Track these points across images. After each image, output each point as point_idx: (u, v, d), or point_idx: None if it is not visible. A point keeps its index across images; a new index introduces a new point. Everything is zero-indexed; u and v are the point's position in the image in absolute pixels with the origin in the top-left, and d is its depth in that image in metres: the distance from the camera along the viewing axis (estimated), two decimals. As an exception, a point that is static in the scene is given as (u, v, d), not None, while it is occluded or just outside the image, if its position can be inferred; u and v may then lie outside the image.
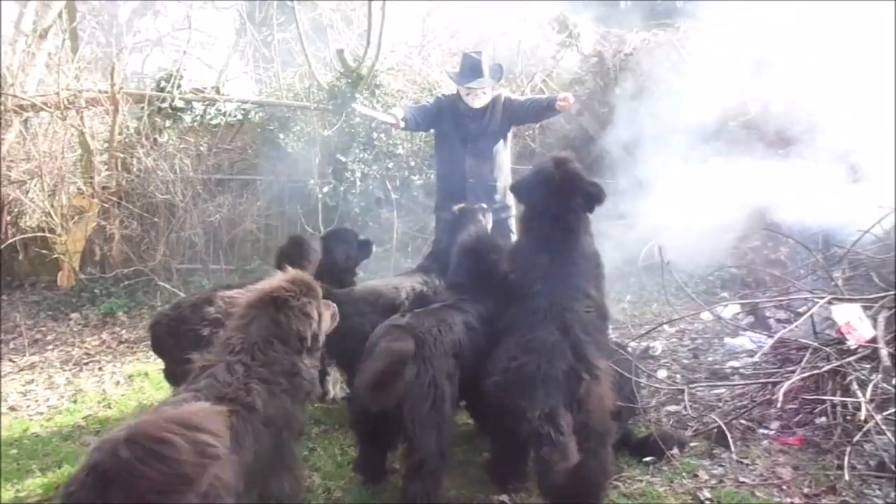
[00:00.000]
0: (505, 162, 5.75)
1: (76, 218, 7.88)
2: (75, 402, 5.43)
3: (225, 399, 2.69)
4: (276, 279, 3.21)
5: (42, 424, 4.98)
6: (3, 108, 8.01)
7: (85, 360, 6.45)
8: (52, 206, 7.69)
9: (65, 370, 6.22)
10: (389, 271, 7.58)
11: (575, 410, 3.25)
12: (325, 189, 7.84)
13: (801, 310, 5.00)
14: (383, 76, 8.51)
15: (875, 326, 4.03)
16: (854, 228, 5.82)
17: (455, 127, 5.58)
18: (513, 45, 8.70)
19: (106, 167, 7.96)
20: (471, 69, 5.47)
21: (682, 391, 4.22)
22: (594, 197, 3.87)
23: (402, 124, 5.56)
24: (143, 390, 5.54)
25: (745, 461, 3.80)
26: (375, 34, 7.98)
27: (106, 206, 7.90)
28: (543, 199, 3.87)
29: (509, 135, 5.77)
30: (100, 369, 6.20)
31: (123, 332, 7.18)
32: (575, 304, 3.57)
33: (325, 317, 3.22)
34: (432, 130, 5.99)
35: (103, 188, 7.90)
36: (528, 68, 8.74)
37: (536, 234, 3.88)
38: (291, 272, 3.28)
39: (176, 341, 4.43)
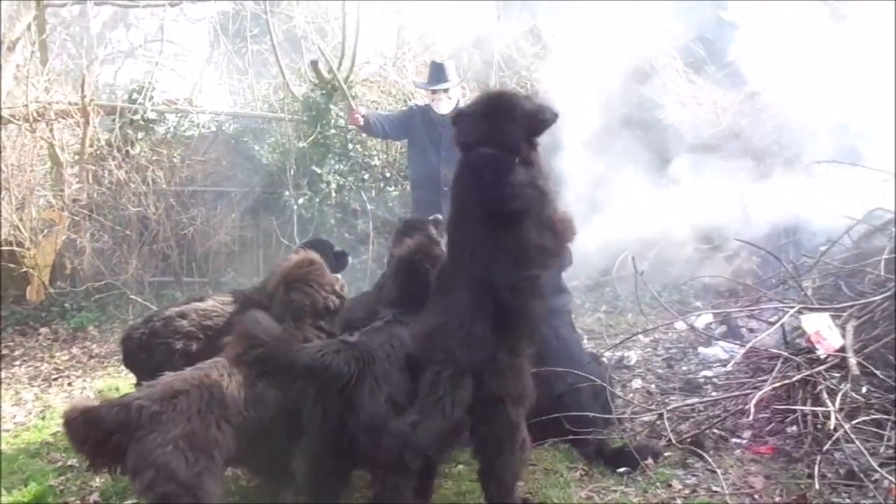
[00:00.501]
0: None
1: (46, 231, 7.75)
2: (43, 418, 5.32)
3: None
4: (287, 262, 3.82)
5: (8, 441, 4.87)
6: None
7: (54, 376, 6.34)
8: (20, 219, 7.55)
9: (33, 386, 6.11)
10: (366, 282, 7.57)
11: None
12: (301, 200, 7.81)
13: (772, 319, 5.07)
14: (358, 87, 8.51)
15: (844, 336, 4.09)
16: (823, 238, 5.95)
17: (428, 136, 5.65)
18: (487, 56, 8.75)
19: (77, 180, 7.85)
20: (435, 74, 5.55)
21: (661, 413, 4.22)
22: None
23: (359, 121, 5.70)
24: (113, 406, 5.44)
25: (718, 471, 3.83)
26: (350, 46, 8.00)
27: (77, 218, 7.78)
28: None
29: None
30: (69, 384, 6.10)
31: (94, 346, 7.07)
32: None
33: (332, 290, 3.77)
34: (405, 140, 6.02)
35: (74, 201, 7.79)
36: (503, 80, 8.78)
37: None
38: (299, 254, 3.88)
39: (148, 355, 4.36)
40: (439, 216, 5.17)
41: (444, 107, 5.53)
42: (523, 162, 3.23)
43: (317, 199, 7.82)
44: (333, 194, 7.85)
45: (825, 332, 4.05)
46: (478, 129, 3.26)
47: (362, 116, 5.63)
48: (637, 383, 5.16)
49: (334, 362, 3.14)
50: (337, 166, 7.92)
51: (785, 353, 4.28)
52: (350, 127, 7.98)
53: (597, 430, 4.13)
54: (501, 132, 3.22)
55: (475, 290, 3.16)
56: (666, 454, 4.03)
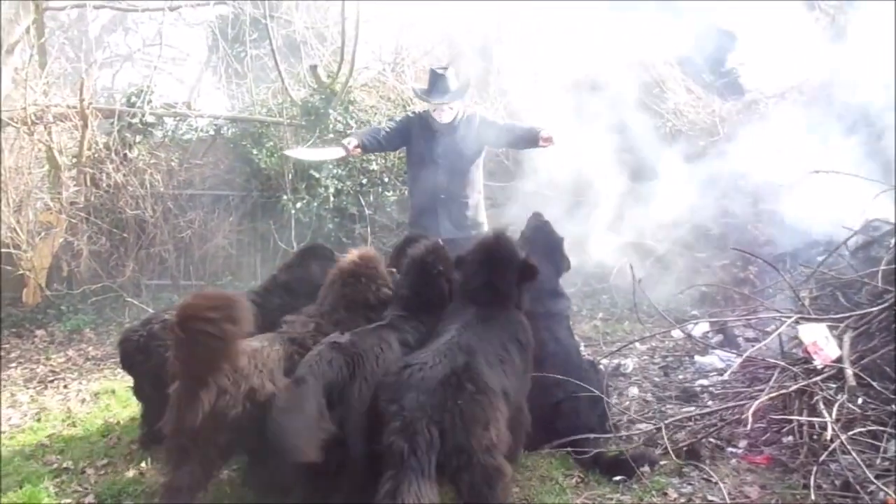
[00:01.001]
0: (477, 179, 5.78)
1: (43, 234, 7.74)
2: (39, 420, 5.31)
3: (294, 341, 3.71)
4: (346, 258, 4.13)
5: (4, 444, 4.85)
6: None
7: (50, 378, 6.31)
8: (17, 221, 7.54)
9: (28, 388, 6.08)
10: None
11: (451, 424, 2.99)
12: (299, 205, 7.81)
13: (769, 329, 5.08)
14: (357, 92, 8.53)
15: (841, 346, 4.10)
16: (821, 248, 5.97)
17: (426, 143, 5.59)
18: (487, 62, 8.77)
19: (74, 183, 7.84)
20: (436, 85, 5.50)
21: (659, 427, 4.21)
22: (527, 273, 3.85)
23: (357, 151, 5.56)
24: (109, 408, 5.43)
25: (714, 480, 3.83)
26: (349, 51, 8.01)
27: (74, 221, 7.78)
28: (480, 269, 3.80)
29: (482, 153, 5.80)
30: (65, 387, 6.07)
31: (90, 348, 7.05)
32: (486, 354, 3.38)
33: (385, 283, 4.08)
34: (404, 148, 5.98)
35: (71, 204, 7.78)
36: (503, 86, 8.81)
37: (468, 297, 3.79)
38: (359, 250, 4.19)
39: (145, 357, 4.37)
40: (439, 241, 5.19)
41: (445, 117, 5.50)
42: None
43: (315, 204, 7.83)
44: (331, 199, 7.86)
45: (822, 343, 4.05)
46: (478, 278, 3.76)
47: (358, 145, 5.51)
48: (633, 391, 5.16)
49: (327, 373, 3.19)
50: (335, 171, 7.92)
51: (782, 363, 4.28)
52: (349, 133, 7.99)
53: (594, 438, 4.13)
54: (499, 281, 3.74)
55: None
56: (662, 462, 4.03)
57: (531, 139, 5.49)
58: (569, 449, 4.12)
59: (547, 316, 4.40)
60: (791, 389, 3.99)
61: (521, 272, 3.81)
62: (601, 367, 5.14)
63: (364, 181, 8.16)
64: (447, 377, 3.09)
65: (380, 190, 8.18)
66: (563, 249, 4.73)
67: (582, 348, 6.02)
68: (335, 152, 5.71)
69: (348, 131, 7.96)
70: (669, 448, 3.94)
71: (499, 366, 3.37)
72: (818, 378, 3.98)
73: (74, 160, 7.94)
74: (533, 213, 4.95)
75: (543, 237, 4.70)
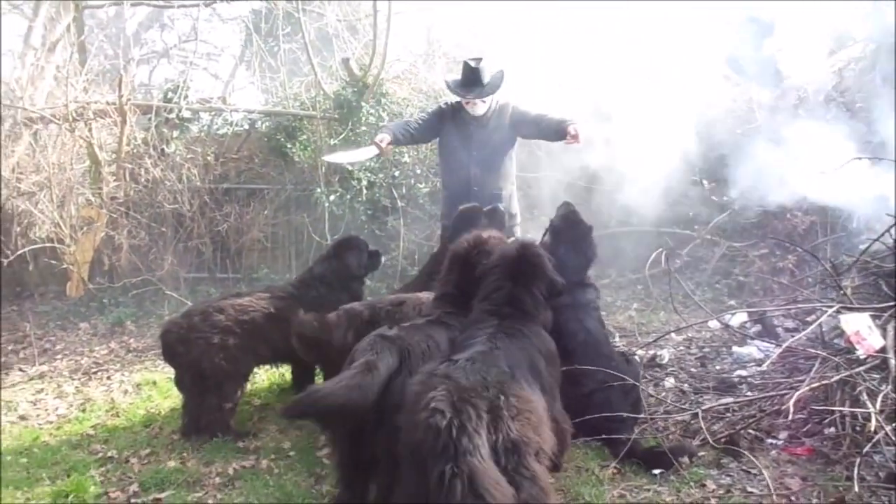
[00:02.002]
0: (510, 170, 5.75)
1: (85, 228, 7.93)
2: (84, 410, 5.45)
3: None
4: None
5: (51, 433, 5.00)
6: (14, 120, 8.10)
7: (94, 369, 6.47)
8: (61, 216, 7.73)
9: (74, 379, 6.25)
10: (395, 280, 7.61)
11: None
12: (332, 197, 7.87)
13: (809, 319, 4.98)
14: (389, 85, 8.55)
15: (885, 336, 4.01)
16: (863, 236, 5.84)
17: (459, 135, 5.56)
18: (517, 53, 8.72)
19: (114, 178, 8.01)
20: (469, 78, 5.45)
21: (695, 413, 4.16)
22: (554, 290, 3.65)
23: (390, 148, 5.59)
24: (151, 398, 5.56)
25: (753, 471, 3.78)
26: (381, 43, 8.03)
27: (114, 216, 7.95)
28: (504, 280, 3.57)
29: (515, 144, 5.77)
30: (108, 378, 6.22)
31: (132, 340, 7.21)
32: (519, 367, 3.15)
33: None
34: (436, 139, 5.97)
35: (112, 199, 7.95)
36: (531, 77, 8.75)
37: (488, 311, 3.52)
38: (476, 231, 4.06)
39: (186, 349, 4.48)
40: (499, 206, 5.18)
41: (479, 109, 5.47)
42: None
43: (348, 196, 7.88)
44: (364, 191, 7.90)
45: (865, 333, 3.97)
46: (502, 293, 3.51)
47: (389, 143, 5.49)
48: (670, 382, 5.10)
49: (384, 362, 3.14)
50: (367, 163, 7.96)
51: (823, 353, 4.20)
52: (381, 125, 8.02)
53: (627, 429, 4.11)
54: (524, 295, 3.51)
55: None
56: (700, 453, 3.99)
57: (558, 132, 5.41)
58: (604, 437, 4.09)
59: (575, 306, 4.34)
60: (833, 380, 3.91)
61: (548, 288, 3.60)
62: (636, 357, 5.10)
63: (396, 173, 8.18)
64: (491, 372, 2.87)
65: (412, 182, 8.20)
66: (592, 239, 4.66)
67: (617, 339, 6.00)
68: (369, 151, 5.69)
69: (380, 124, 7.99)
70: (708, 438, 3.90)
71: (534, 384, 3.14)
72: (861, 368, 3.90)
73: (114, 156, 8.11)
74: (563, 203, 4.92)
75: (571, 226, 4.63)
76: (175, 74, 13.03)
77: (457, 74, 5.66)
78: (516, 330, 3.31)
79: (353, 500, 3.37)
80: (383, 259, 5.78)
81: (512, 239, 4.50)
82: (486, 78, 5.43)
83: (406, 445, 2.68)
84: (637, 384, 4.26)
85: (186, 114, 8.37)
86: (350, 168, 7.82)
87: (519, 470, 2.62)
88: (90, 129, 8.07)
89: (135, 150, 8.14)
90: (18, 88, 8.42)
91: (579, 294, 4.45)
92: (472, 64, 5.44)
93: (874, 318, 4.16)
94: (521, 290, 3.47)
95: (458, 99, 5.67)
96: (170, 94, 8.43)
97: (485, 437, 2.54)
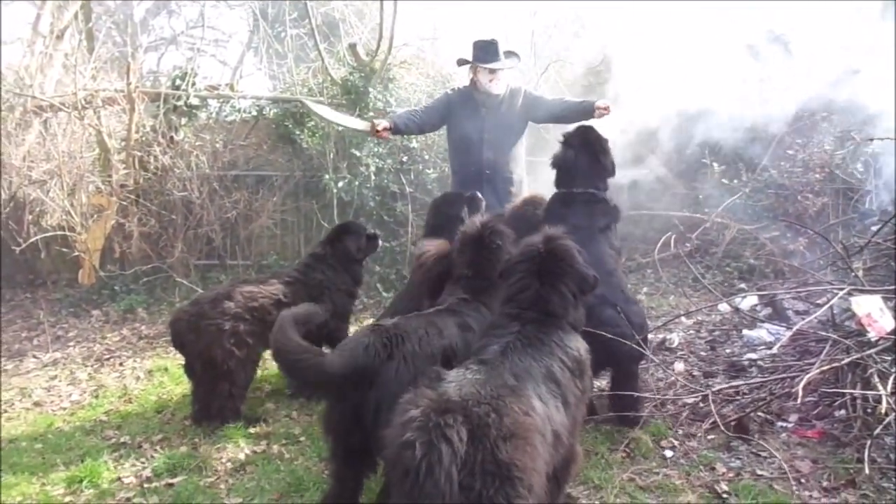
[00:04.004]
0: (521, 155, 5.73)
1: (95, 216, 7.97)
2: (97, 397, 5.51)
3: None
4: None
5: (65, 419, 5.07)
6: (23, 108, 8.13)
7: (106, 356, 6.53)
8: (71, 204, 7.77)
9: (87, 366, 6.30)
10: (405, 265, 7.62)
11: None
12: (340, 184, 7.86)
13: (820, 301, 4.96)
14: (396, 70, 8.51)
15: (896, 318, 3.99)
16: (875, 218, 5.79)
17: (470, 119, 5.51)
18: (525, 37, 8.66)
19: (124, 165, 8.03)
20: (487, 52, 5.33)
21: (706, 395, 4.16)
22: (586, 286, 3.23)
23: (386, 134, 5.49)
24: (163, 385, 5.61)
25: (763, 454, 3.79)
26: (388, 28, 7.98)
27: (124, 204, 7.98)
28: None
29: (526, 128, 5.73)
30: (120, 365, 6.28)
31: (143, 328, 7.26)
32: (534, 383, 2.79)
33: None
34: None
35: (121, 186, 7.97)
36: (541, 61, 8.70)
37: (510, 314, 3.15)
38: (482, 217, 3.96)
39: (196, 336, 4.51)
40: (477, 193, 5.13)
41: (499, 87, 5.37)
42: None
43: (356, 183, 7.87)
44: (373, 177, 7.88)
45: (876, 315, 3.94)
46: (527, 293, 3.13)
47: (389, 127, 5.39)
48: (679, 366, 5.09)
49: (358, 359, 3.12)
50: (376, 149, 7.93)
51: (834, 336, 4.18)
52: (389, 110, 7.99)
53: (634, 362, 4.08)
54: (552, 295, 3.12)
55: None
56: (710, 437, 3.99)
57: (584, 111, 5.30)
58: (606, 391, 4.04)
59: (582, 227, 4.08)
60: (844, 362, 3.90)
61: (579, 284, 3.19)
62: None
63: (405, 159, 8.16)
64: (489, 386, 2.59)
65: (420, 168, 8.18)
66: (609, 149, 4.50)
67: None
68: (360, 125, 5.63)
69: (388, 109, 7.97)
70: (718, 421, 3.90)
71: (550, 400, 2.77)
72: (872, 351, 3.88)
73: (123, 143, 8.12)
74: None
75: (585, 135, 4.50)
76: (183, 61, 13.03)
77: (468, 56, 5.56)
78: (536, 339, 2.95)
79: (344, 494, 3.31)
80: (388, 244, 5.77)
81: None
82: (503, 52, 5.37)
83: (385, 458, 2.65)
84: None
85: (195, 101, 8.36)
86: (358, 154, 7.80)
87: (496, 499, 2.32)
88: (99, 117, 8.08)
89: (144, 138, 8.14)
90: (28, 76, 8.44)
91: (587, 213, 4.29)
92: (489, 40, 5.36)
93: (886, 300, 4.13)
94: (549, 289, 3.10)
95: (466, 84, 5.63)
96: (178, 82, 8.41)
97: (458, 460, 2.30)
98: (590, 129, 4.56)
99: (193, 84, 8.37)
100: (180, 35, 14.93)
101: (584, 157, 4.38)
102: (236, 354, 4.50)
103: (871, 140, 5.29)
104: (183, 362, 4.86)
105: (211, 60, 14.63)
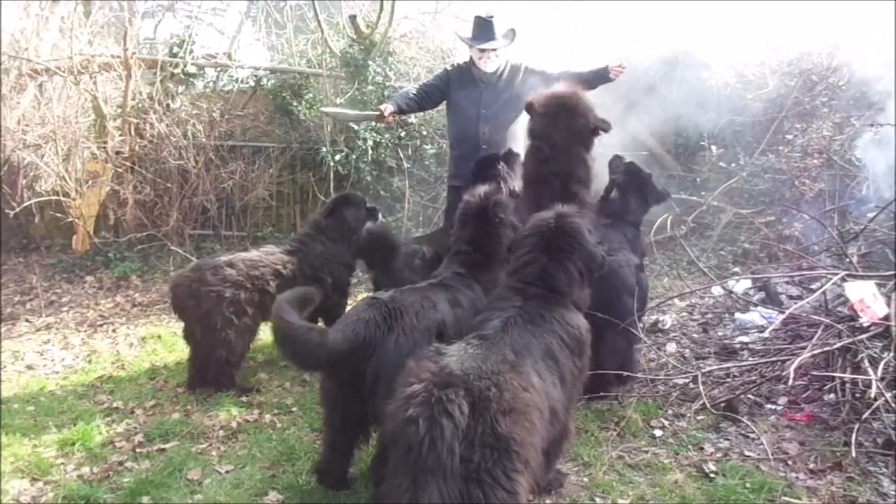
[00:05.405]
0: (519, 130, 5.69)
1: (90, 182, 7.90)
2: (90, 362, 5.52)
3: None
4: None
5: (58, 383, 5.08)
6: (19, 71, 8.04)
7: (99, 322, 6.53)
8: (66, 170, 7.71)
9: (80, 331, 6.30)
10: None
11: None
12: (337, 157, 7.82)
13: (813, 286, 4.98)
14: (396, 43, 8.43)
15: (889, 304, 4.01)
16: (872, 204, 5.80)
17: (468, 94, 5.50)
18: (526, 12, 8.58)
19: (119, 132, 7.96)
20: (482, 31, 5.38)
21: (696, 376, 4.18)
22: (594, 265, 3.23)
23: (391, 118, 5.59)
24: (155, 352, 5.62)
25: (752, 436, 3.82)
26: (388, 0, 7.89)
27: (119, 170, 7.92)
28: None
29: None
30: (113, 331, 6.28)
31: (137, 295, 7.25)
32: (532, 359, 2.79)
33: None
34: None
35: (117, 153, 7.91)
36: (543, 34, 8.61)
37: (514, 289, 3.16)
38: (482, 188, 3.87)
39: (197, 302, 4.52)
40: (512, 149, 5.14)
41: (491, 65, 5.39)
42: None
43: (353, 156, 7.83)
44: (370, 151, 7.84)
45: (869, 301, 3.97)
46: (533, 268, 3.13)
47: (392, 110, 5.45)
48: (671, 347, 5.12)
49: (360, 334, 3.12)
50: (374, 124, 7.90)
51: (826, 321, 4.21)
52: (388, 84, 7.93)
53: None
54: (557, 272, 3.11)
55: None
56: (699, 417, 4.03)
57: (599, 76, 5.28)
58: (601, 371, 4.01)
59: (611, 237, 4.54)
60: (835, 347, 3.94)
61: (586, 262, 3.18)
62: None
63: (402, 134, 8.12)
64: (490, 360, 2.61)
65: (418, 143, 8.14)
66: (653, 184, 5.10)
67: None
68: (369, 115, 5.73)
69: (387, 83, 7.91)
70: (706, 402, 3.93)
71: (548, 376, 2.78)
72: (864, 336, 3.91)
73: (119, 110, 8.04)
74: (614, 156, 5.16)
75: (634, 177, 5.02)
76: (180, 29, 12.84)
77: (468, 31, 5.57)
78: (538, 315, 2.95)
79: (336, 462, 3.34)
80: (388, 219, 5.77)
81: None
82: (498, 32, 5.36)
83: (384, 432, 2.72)
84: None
85: (192, 69, 8.27)
86: (356, 127, 7.75)
87: (494, 472, 2.36)
88: (95, 83, 8.00)
89: (140, 105, 8.06)
90: (23, 39, 8.32)
91: (618, 230, 4.69)
92: (486, 18, 5.37)
93: (879, 286, 4.15)
94: (556, 265, 3.09)
95: (465, 60, 5.60)
96: (175, 49, 8.32)
97: (460, 433, 2.33)
98: (636, 170, 5.05)
99: (191, 52, 8.29)
100: (178, 2, 14.73)
101: (637, 200, 4.93)
102: (235, 322, 4.52)
103: (871, 126, 5.28)
104: (177, 330, 4.87)
105: (208, 29, 14.44)
